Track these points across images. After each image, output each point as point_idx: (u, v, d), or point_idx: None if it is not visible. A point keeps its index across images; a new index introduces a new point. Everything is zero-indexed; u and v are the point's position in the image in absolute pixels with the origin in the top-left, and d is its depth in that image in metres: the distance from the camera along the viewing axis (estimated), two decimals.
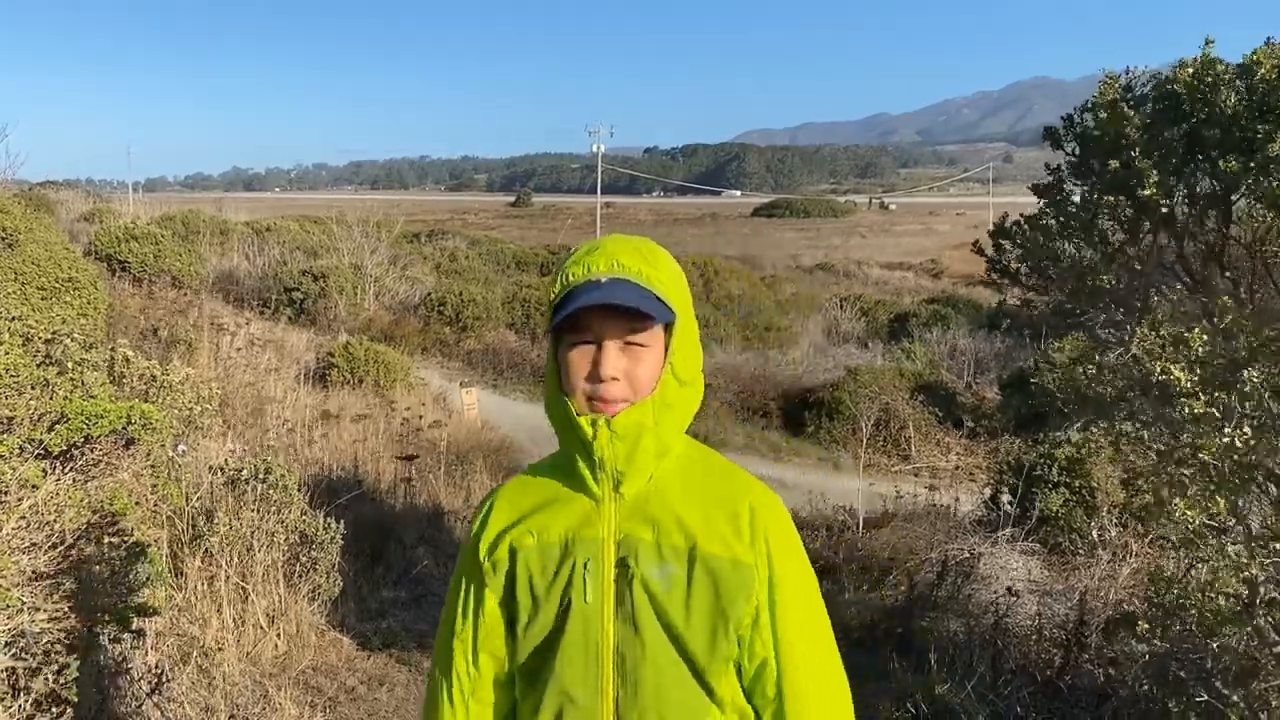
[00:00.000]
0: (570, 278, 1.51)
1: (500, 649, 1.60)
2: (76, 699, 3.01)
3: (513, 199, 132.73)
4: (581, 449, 1.53)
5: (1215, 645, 3.60)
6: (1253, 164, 3.46)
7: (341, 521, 5.49)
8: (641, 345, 1.51)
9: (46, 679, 2.94)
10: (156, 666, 4.09)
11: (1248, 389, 3.05)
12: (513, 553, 1.57)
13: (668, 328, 1.54)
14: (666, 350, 1.54)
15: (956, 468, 13.17)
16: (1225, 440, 3.05)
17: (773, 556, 1.54)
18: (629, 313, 1.48)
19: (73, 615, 3.12)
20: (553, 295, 1.54)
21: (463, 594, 1.62)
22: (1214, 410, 3.11)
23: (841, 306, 24.83)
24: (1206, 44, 3.87)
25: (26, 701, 2.91)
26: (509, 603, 1.57)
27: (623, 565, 1.51)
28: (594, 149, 60.89)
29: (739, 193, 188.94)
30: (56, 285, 8.95)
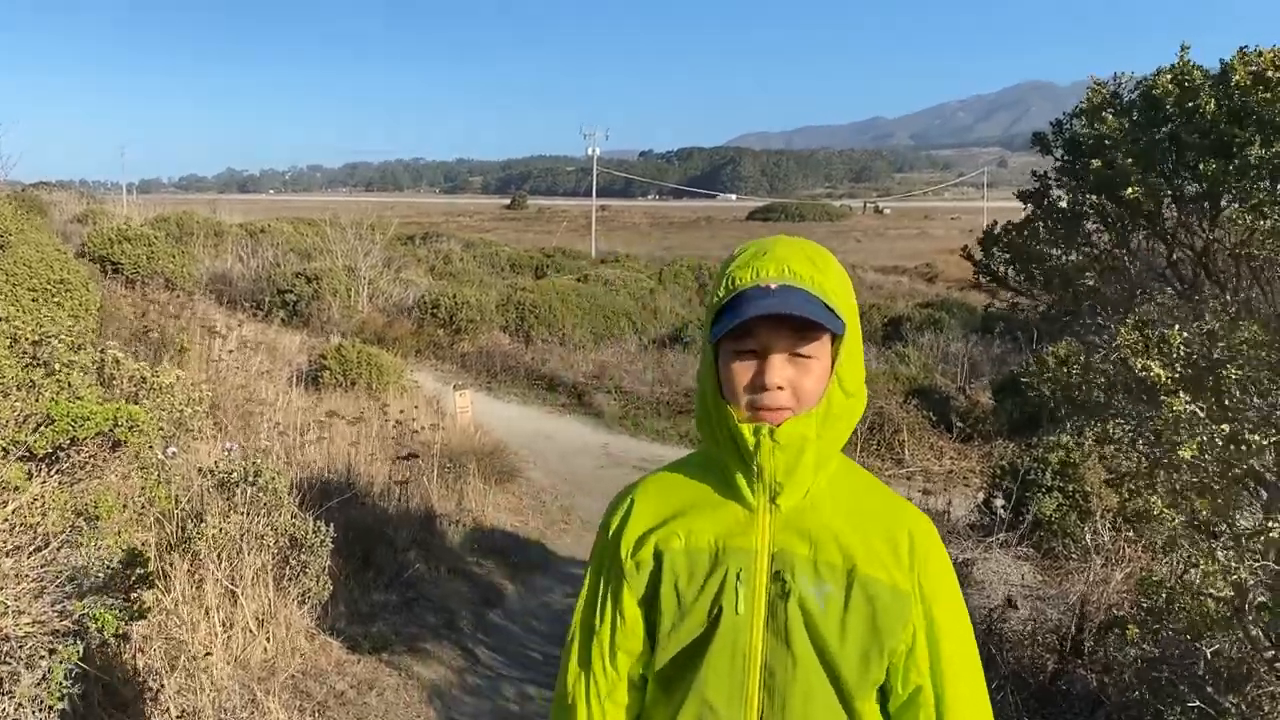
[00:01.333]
0: (736, 282, 1.45)
1: (637, 650, 1.57)
2: (60, 703, 2.98)
3: (508, 201, 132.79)
4: (739, 458, 1.49)
5: (1208, 651, 3.59)
6: (1232, 167, 3.47)
7: (332, 524, 5.46)
8: (809, 356, 1.46)
9: (30, 683, 2.92)
10: (143, 670, 4.06)
11: (1226, 387, 3.05)
12: (658, 554, 1.52)
13: (834, 338, 1.49)
14: (833, 361, 1.49)
15: (950, 471, 13.16)
16: (1205, 439, 3.05)
17: (933, 585, 1.51)
18: (800, 323, 1.42)
19: (57, 619, 3.09)
20: (717, 298, 1.48)
21: (601, 591, 1.58)
22: (1195, 409, 3.11)
23: None
24: (1183, 49, 3.89)
25: (10, 705, 2.88)
26: (650, 604, 1.53)
27: (778, 579, 1.47)
28: (589, 152, 60.94)
29: (734, 196, 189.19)
30: (48, 287, 8.90)
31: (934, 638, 1.50)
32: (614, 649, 1.57)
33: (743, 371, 1.46)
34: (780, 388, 1.45)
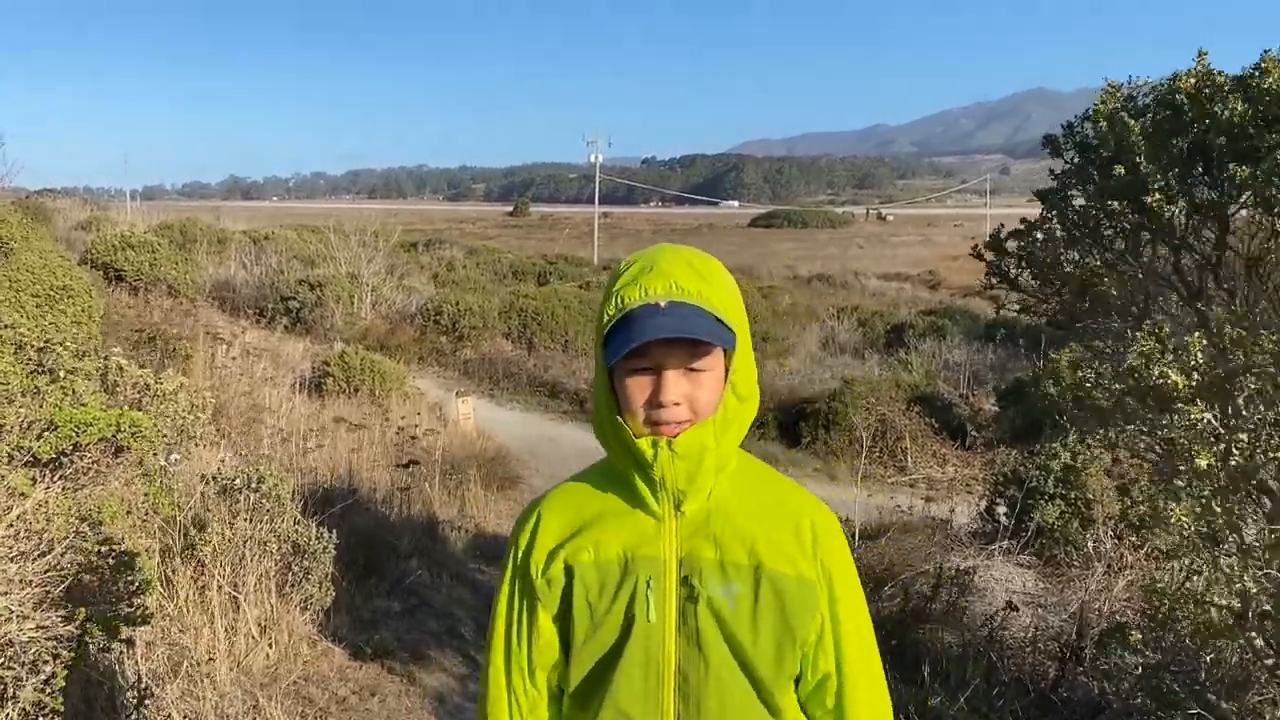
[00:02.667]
0: (625, 300, 1.45)
1: (555, 666, 1.58)
2: (63, 709, 2.99)
3: (511, 208, 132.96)
4: (640, 470, 1.50)
5: (1208, 658, 3.59)
6: (1259, 171, 3.47)
7: (335, 531, 5.47)
8: (703, 370, 1.47)
9: (34, 688, 2.93)
10: (146, 676, 4.07)
11: (1245, 396, 3.05)
12: (568, 570, 1.53)
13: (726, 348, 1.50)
14: (727, 369, 1.50)
15: (953, 479, 13.16)
16: (1222, 447, 3.05)
17: (833, 573, 1.54)
18: (693, 342, 1.43)
19: (61, 624, 3.10)
20: (607, 318, 1.48)
21: (516, 611, 1.58)
22: (1210, 417, 3.11)
23: (838, 317, 24.84)
24: (1200, 55, 3.89)
25: (14, 711, 2.89)
26: (564, 619, 1.54)
27: (686, 584, 1.49)
28: (592, 159, 61.03)
29: (736, 203, 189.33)
30: (51, 293, 8.93)
31: (836, 624, 1.53)
32: (533, 667, 1.57)
33: (638, 389, 1.47)
34: (677, 403, 1.46)
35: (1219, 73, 3.88)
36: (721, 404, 1.50)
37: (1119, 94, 4.32)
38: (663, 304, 1.43)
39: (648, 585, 1.49)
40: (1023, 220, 4.91)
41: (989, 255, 5.18)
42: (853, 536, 8.52)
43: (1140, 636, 3.79)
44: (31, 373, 3.89)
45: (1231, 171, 3.58)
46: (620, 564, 1.51)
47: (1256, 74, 3.70)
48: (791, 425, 15.17)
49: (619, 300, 1.46)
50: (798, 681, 1.55)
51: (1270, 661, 3.44)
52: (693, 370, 1.46)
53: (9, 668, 2.92)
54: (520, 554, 1.58)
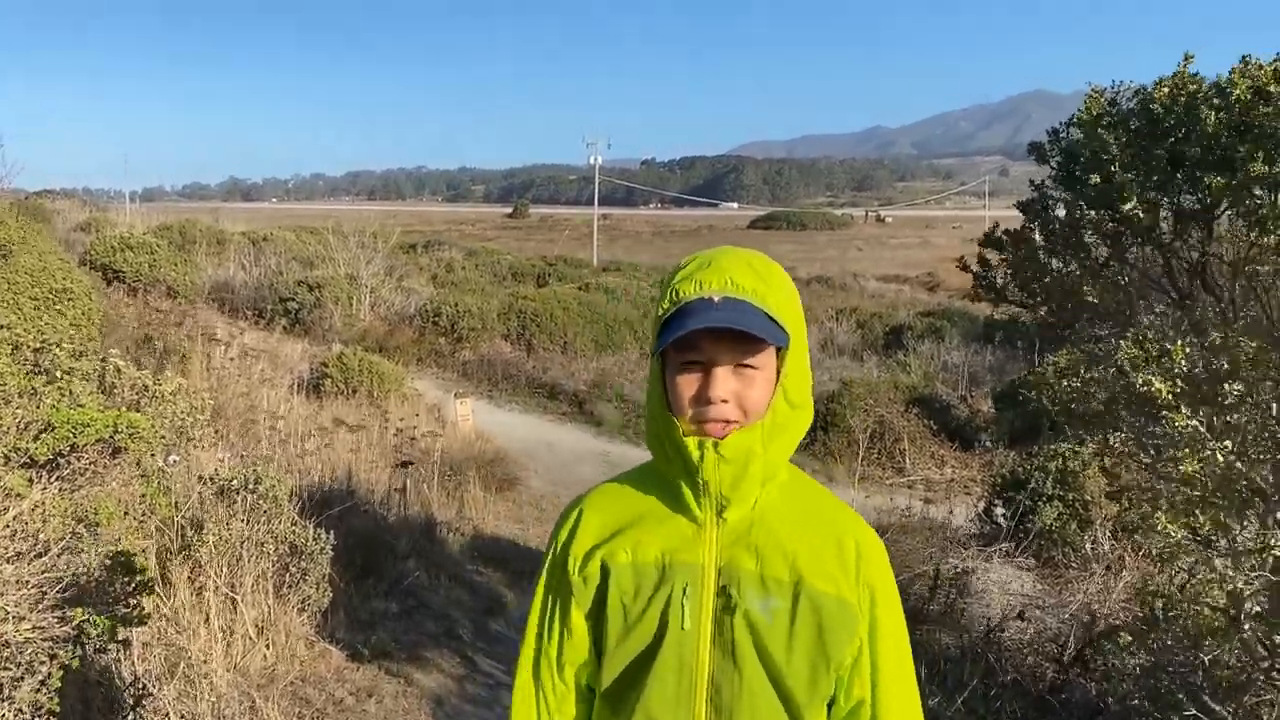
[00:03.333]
0: (680, 294, 1.45)
1: (585, 664, 1.57)
2: (60, 709, 2.99)
3: (510, 210, 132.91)
4: (685, 471, 1.48)
5: (1205, 660, 3.60)
6: (1234, 181, 3.47)
7: (332, 532, 5.47)
8: (753, 368, 1.45)
9: (30, 689, 2.92)
10: (142, 677, 4.07)
11: (1229, 402, 3.05)
12: (604, 569, 1.52)
13: (780, 349, 1.47)
14: (778, 373, 1.48)
15: (951, 480, 13.16)
16: (1207, 454, 3.05)
17: (875, 596, 1.51)
18: (743, 336, 1.41)
19: (57, 625, 3.10)
20: (661, 311, 1.47)
21: (550, 606, 1.58)
22: (1196, 424, 3.11)
23: (837, 319, 24.85)
24: (1186, 59, 3.89)
25: (9, 711, 2.89)
26: (597, 619, 1.53)
27: (724, 594, 1.47)
28: (591, 160, 61.03)
29: (736, 205, 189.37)
30: (50, 295, 8.93)
31: (875, 651, 1.50)
32: (562, 663, 1.57)
33: (687, 384, 1.46)
34: (725, 400, 1.44)
35: (1195, 79, 3.88)
36: (771, 408, 1.47)
37: (1102, 99, 4.31)
38: (717, 299, 1.42)
39: (684, 592, 1.47)
40: (1005, 231, 4.91)
41: (975, 267, 5.18)
42: None
43: (1135, 639, 3.79)
44: (29, 374, 3.89)
45: (1207, 182, 3.58)
46: (658, 567, 1.49)
47: (1221, 87, 3.70)
48: None
49: (674, 294, 1.46)
50: (831, 704, 1.52)
51: (1266, 663, 3.45)
52: (743, 367, 1.45)
53: (5, 668, 2.93)
54: (559, 549, 1.58)
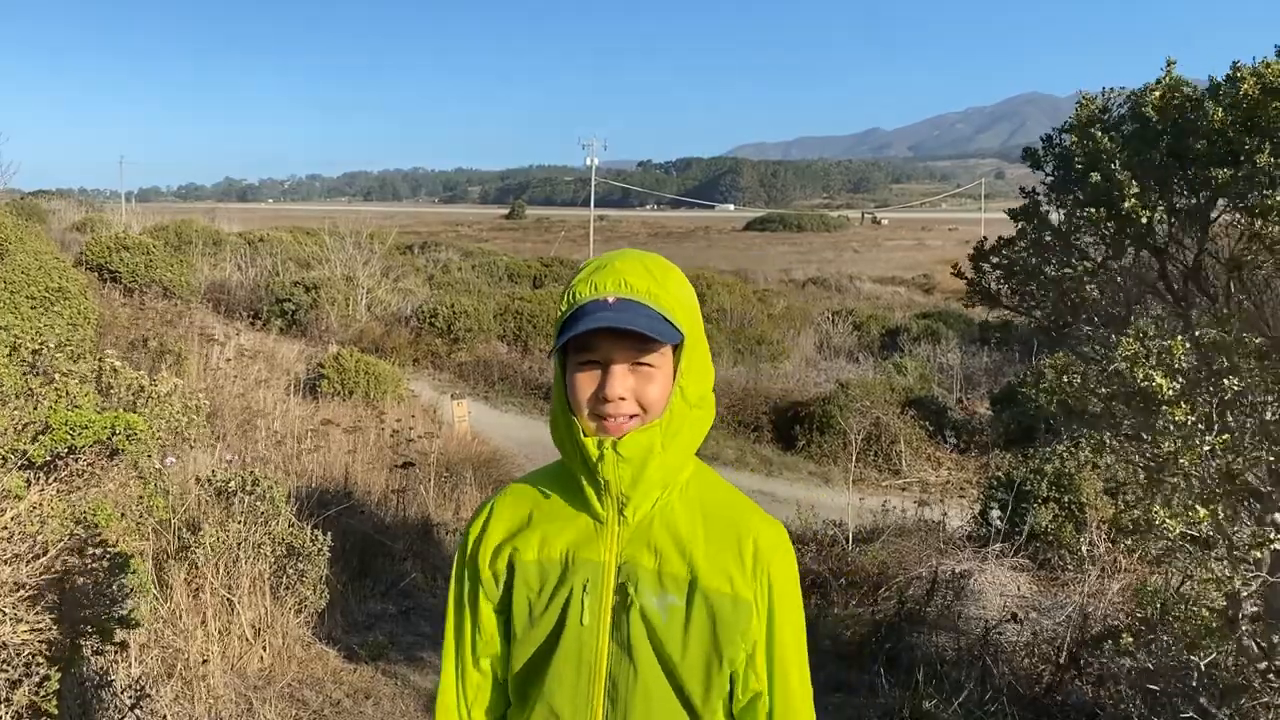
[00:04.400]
0: (577, 296, 1.49)
1: (499, 656, 1.62)
2: (57, 711, 2.99)
3: (506, 211, 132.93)
4: (586, 470, 1.52)
5: (1202, 662, 3.60)
6: (1240, 174, 3.50)
7: (329, 534, 5.47)
8: (650, 366, 1.48)
9: (27, 691, 2.92)
10: (140, 679, 4.06)
11: (1228, 398, 3.07)
12: (511, 565, 1.56)
13: (676, 348, 1.51)
14: (676, 371, 1.51)
15: (947, 482, 13.17)
16: (1206, 448, 3.07)
17: (773, 594, 1.54)
18: (636, 335, 1.44)
19: (55, 627, 3.10)
20: (560, 313, 1.51)
21: (462, 601, 1.63)
22: (1195, 418, 3.13)
23: (833, 320, 24.88)
24: (1169, 64, 3.93)
25: (6, 713, 2.89)
26: (505, 613, 1.58)
27: (622, 591, 1.50)
28: (588, 162, 61.05)
29: (732, 206, 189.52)
30: (46, 295, 8.92)
31: (772, 647, 1.54)
32: (477, 655, 1.62)
33: (586, 383, 1.50)
34: (622, 398, 1.47)
35: (1187, 83, 3.92)
36: (669, 407, 1.50)
37: (1094, 104, 4.33)
38: (611, 299, 1.46)
39: (584, 588, 1.51)
40: (1000, 238, 4.93)
41: (969, 273, 5.20)
42: (846, 540, 8.54)
43: (1132, 640, 3.80)
44: (25, 374, 3.89)
45: (1212, 174, 3.61)
46: (561, 564, 1.53)
47: (1229, 83, 3.73)
48: (786, 429, 15.19)
49: (571, 295, 1.50)
50: (730, 698, 1.56)
51: (1263, 665, 3.46)
52: (640, 365, 1.48)
53: (3, 671, 2.92)
54: (470, 545, 1.63)
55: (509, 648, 1.58)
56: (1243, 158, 3.55)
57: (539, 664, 1.54)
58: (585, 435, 1.50)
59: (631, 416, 1.49)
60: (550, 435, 1.61)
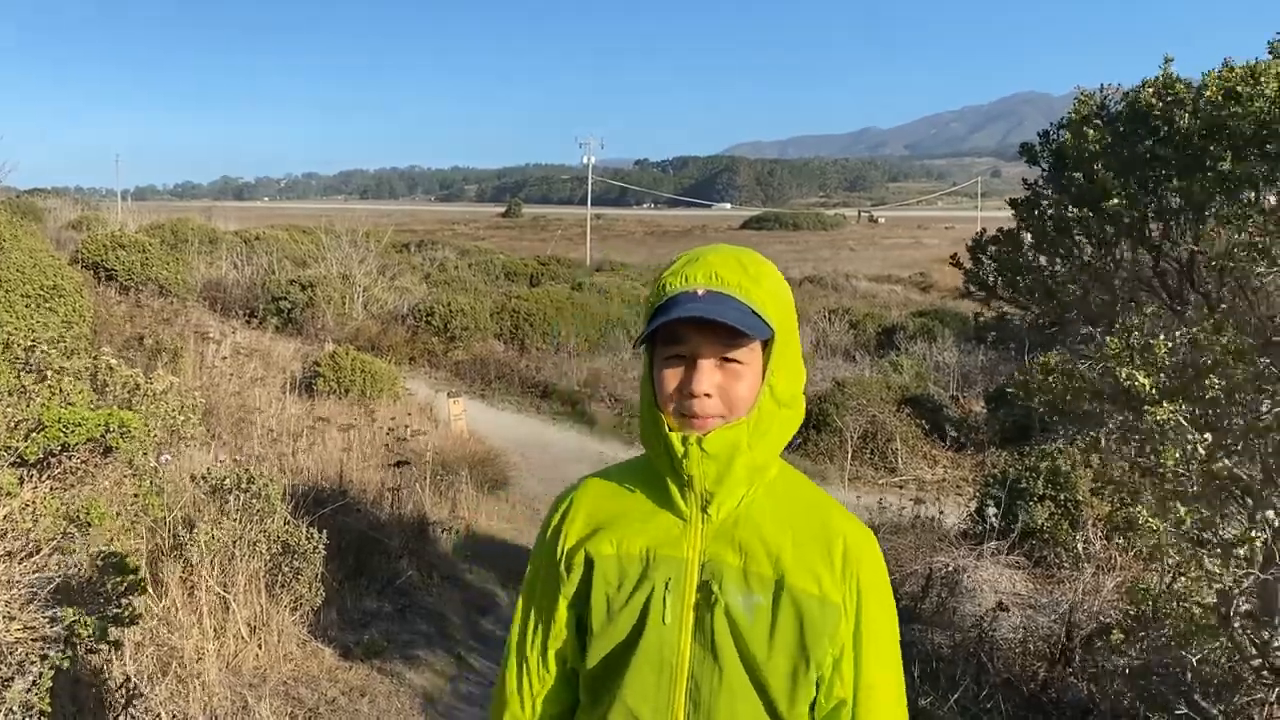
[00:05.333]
0: (667, 288, 1.46)
1: (568, 650, 1.59)
2: (51, 710, 2.98)
3: (503, 209, 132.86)
4: (670, 466, 1.49)
5: (1195, 659, 3.61)
6: (1208, 181, 3.51)
7: (325, 531, 5.46)
8: (739, 362, 1.45)
9: (21, 689, 2.92)
10: (134, 677, 4.06)
11: (1211, 396, 3.08)
12: (589, 560, 1.53)
13: (766, 345, 1.48)
14: (765, 369, 1.48)
15: (943, 480, 13.18)
16: (1188, 448, 3.07)
17: (862, 597, 1.50)
18: (725, 329, 1.41)
19: (48, 625, 3.10)
20: (649, 304, 1.49)
21: (537, 593, 1.61)
22: (1179, 418, 3.13)
23: (829, 319, 24.87)
24: (1166, 61, 3.93)
25: (1, 712, 2.88)
26: (581, 608, 1.55)
27: (706, 589, 1.47)
28: (584, 160, 61.06)
29: (729, 205, 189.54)
30: (41, 293, 8.90)
31: (859, 653, 1.50)
32: (546, 647, 1.59)
33: (672, 377, 1.47)
34: (708, 394, 1.45)
35: (1179, 80, 3.91)
36: (757, 405, 1.47)
37: (1092, 101, 4.34)
38: (700, 291, 1.43)
39: (666, 586, 1.47)
40: (999, 229, 4.95)
41: (967, 264, 5.22)
42: None
43: (1126, 637, 3.81)
44: (19, 372, 3.88)
45: (1181, 185, 3.62)
46: (642, 561, 1.50)
47: (1197, 91, 3.74)
48: None
49: (661, 288, 1.47)
50: (814, 705, 1.51)
51: (1256, 661, 3.47)
52: (728, 361, 1.45)
53: None
54: (548, 538, 1.60)
55: (584, 644, 1.55)
56: (1208, 164, 3.56)
57: (616, 662, 1.50)
58: (670, 430, 1.47)
59: (719, 416, 1.46)
60: (640, 432, 1.58)
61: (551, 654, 1.59)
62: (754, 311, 1.44)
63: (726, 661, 1.46)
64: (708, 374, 1.45)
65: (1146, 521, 3.07)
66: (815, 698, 1.50)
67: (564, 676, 1.61)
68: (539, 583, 1.61)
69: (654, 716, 1.48)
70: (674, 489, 1.50)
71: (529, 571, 1.64)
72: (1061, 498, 7.96)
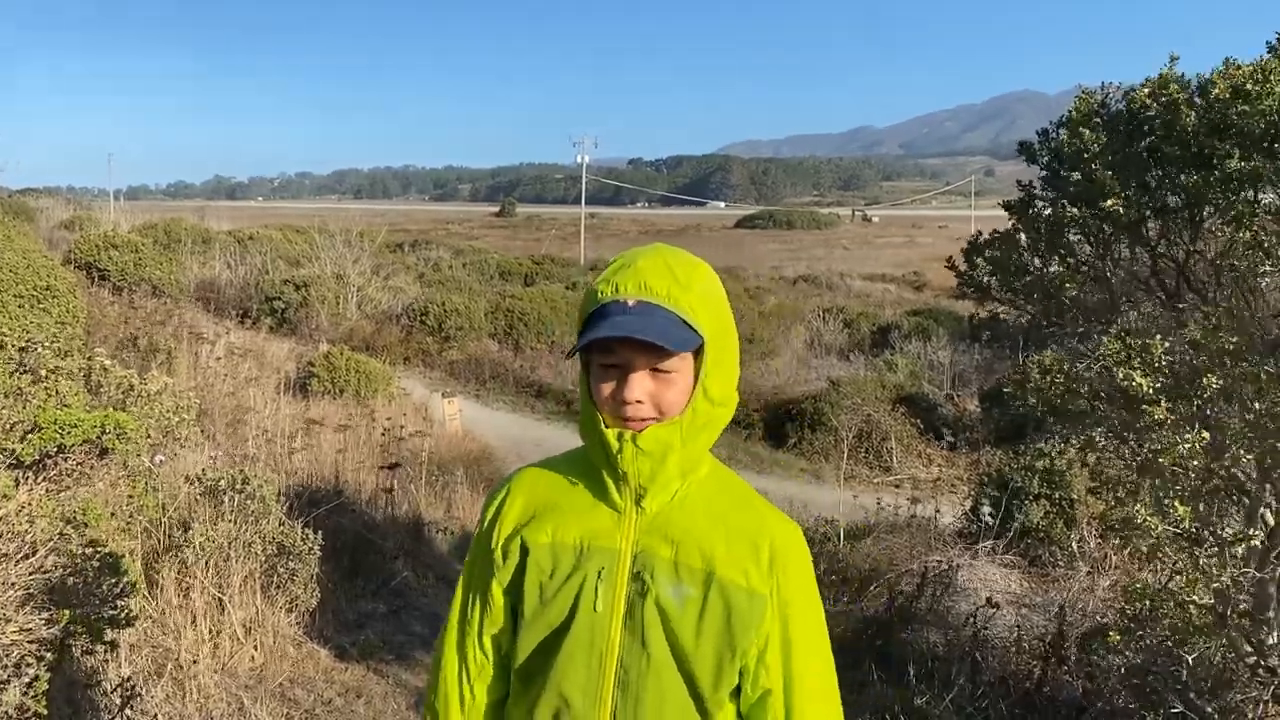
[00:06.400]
0: (598, 296, 1.49)
1: (503, 637, 1.62)
2: (47, 711, 2.98)
3: (497, 209, 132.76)
4: (606, 461, 1.53)
5: (1190, 657, 3.62)
6: (1213, 179, 3.52)
7: (320, 532, 5.46)
8: (668, 371, 1.48)
9: (17, 691, 2.91)
10: (130, 679, 4.05)
11: (1207, 395, 3.08)
12: (524, 547, 1.56)
13: (699, 349, 1.50)
14: (698, 371, 1.51)
15: (938, 479, 13.21)
16: (1186, 447, 3.08)
17: (789, 593, 1.54)
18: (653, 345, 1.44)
19: (44, 627, 3.09)
20: (583, 310, 1.52)
21: (473, 580, 1.64)
22: (1176, 416, 3.14)
23: (824, 318, 24.89)
24: (1171, 60, 3.94)
25: None
26: (514, 595, 1.58)
27: (638, 579, 1.51)
28: (578, 160, 61.04)
29: (723, 204, 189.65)
30: (34, 293, 8.88)
31: (787, 644, 1.54)
32: (482, 634, 1.62)
33: (606, 384, 1.50)
34: (640, 401, 1.48)
35: (1176, 80, 3.93)
36: (691, 405, 1.50)
37: (1093, 100, 4.35)
38: (630, 303, 1.45)
39: (599, 575, 1.51)
40: (994, 231, 4.95)
41: (962, 266, 5.22)
42: (838, 537, 8.55)
43: (1122, 636, 3.82)
44: (14, 373, 3.87)
45: (1186, 181, 3.63)
46: (576, 550, 1.54)
47: (1202, 89, 3.75)
48: (777, 426, 15.21)
49: (593, 295, 1.50)
50: (739, 695, 1.55)
51: (1251, 660, 3.48)
52: (659, 371, 1.48)
53: None
54: (485, 525, 1.63)
55: (516, 630, 1.58)
56: (1214, 162, 3.57)
57: (548, 648, 1.54)
58: (606, 427, 1.51)
59: (652, 418, 1.49)
60: (579, 426, 1.62)
61: (488, 640, 1.62)
62: (683, 320, 1.47)
63: (655, 648, 1.50)
64: (639, 383, 1.48)
65: (1146, 521, 3.08)
66: (740, 685, 1.54)
67: (499, 664, 1.64)
68: (475, 570, 1.64)
69: (584, 700, 1.52)
70: (609, 482, 1.54)
71: (467, 559, 1.67)
72: (1056, 497, 7.98)
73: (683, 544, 1.52)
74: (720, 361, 1.53)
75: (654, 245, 1.57)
